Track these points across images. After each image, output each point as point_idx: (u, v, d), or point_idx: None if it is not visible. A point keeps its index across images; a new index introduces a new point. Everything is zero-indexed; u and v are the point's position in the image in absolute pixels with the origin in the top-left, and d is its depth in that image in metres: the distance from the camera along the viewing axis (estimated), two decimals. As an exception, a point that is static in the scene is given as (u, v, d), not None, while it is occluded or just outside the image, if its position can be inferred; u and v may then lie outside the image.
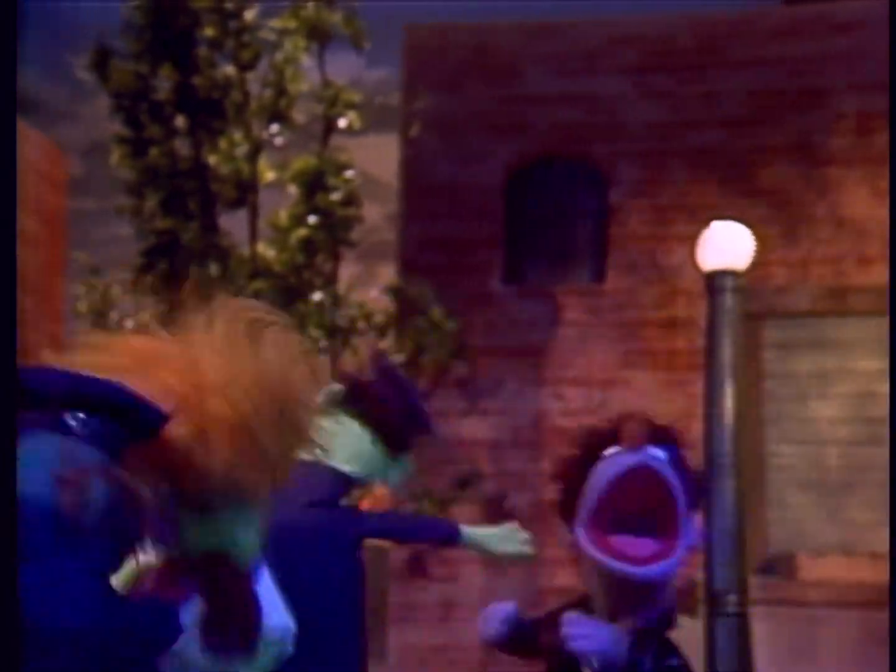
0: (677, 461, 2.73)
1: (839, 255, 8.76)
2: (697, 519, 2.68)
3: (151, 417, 1.86)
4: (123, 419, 1.83)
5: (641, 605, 2.58)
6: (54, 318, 9.26)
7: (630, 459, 2.65)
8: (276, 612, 2.14)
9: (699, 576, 6.97)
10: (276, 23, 8.08)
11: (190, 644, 1.98)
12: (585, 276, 9.32)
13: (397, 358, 8.04)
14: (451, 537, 3.28)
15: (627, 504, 2.59)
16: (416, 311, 8.21)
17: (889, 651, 2.94)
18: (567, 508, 2.72)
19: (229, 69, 8.03)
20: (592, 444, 2.76)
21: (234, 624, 2.01)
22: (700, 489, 2.78)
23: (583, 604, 2.65)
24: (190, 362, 2.05)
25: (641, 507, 2.58)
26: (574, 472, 2.75)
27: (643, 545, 2.55)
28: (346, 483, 3.12)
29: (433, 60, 9.41)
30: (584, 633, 2.45)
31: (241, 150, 8.00)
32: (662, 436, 2.83)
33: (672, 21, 9.27)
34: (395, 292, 8.46)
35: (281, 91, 8.03)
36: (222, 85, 7.93)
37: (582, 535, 2.59)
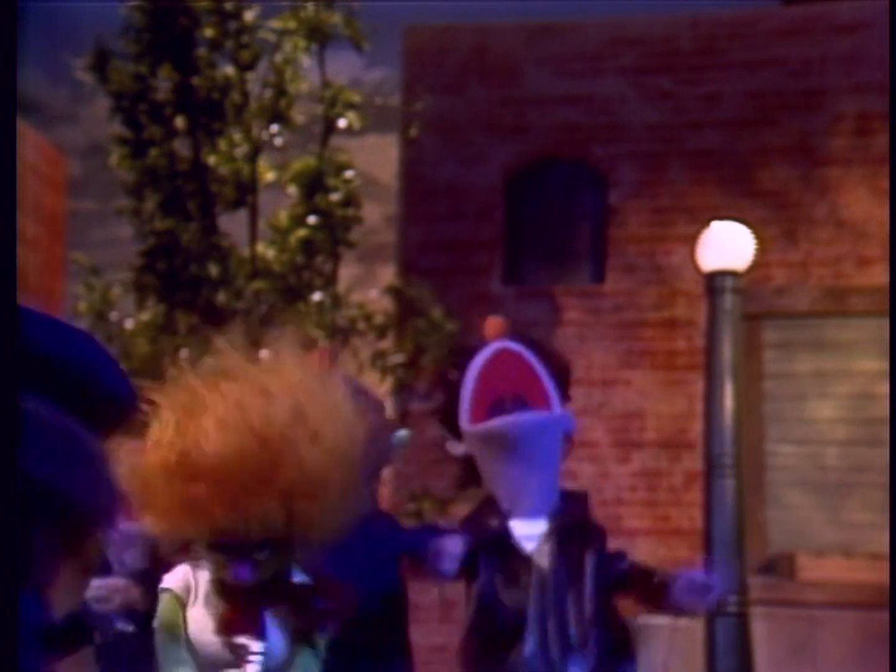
0: (539, 350, 2.93)
1: (839, 256, 8.75)
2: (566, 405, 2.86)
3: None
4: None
5: None
6: (54, 319, 9.24)
7: (492, 347, 2.91)
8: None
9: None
10: (275, 23, 8.06)
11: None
12: (585, 277, 9.31)
13: (397, 358, 8.04)
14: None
15: (497, 385, 2.83)
16: (415, 311, 8.20)
17: (889, 651, 2.94)
18: (449, 418, 2.96)
19: (229, 70, 8.02)
20: (465, 359, 2.96)
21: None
22: (566, 371, 2.96)
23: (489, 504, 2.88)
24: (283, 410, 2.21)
25: (511, 388, 2.84)
26: (452, 385, 2.94)
27: None
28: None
29: (433, 61, 9.40)
30: None
31: (241, 150, 7.99)
32: (523, 338, 3.05)
33: (672, 22, 9.26)
34: (395, 293, 8.45)
35: (280, 92, 8.02)
36: (222, 86, 7.92)
37: (468, 429, 2.84)
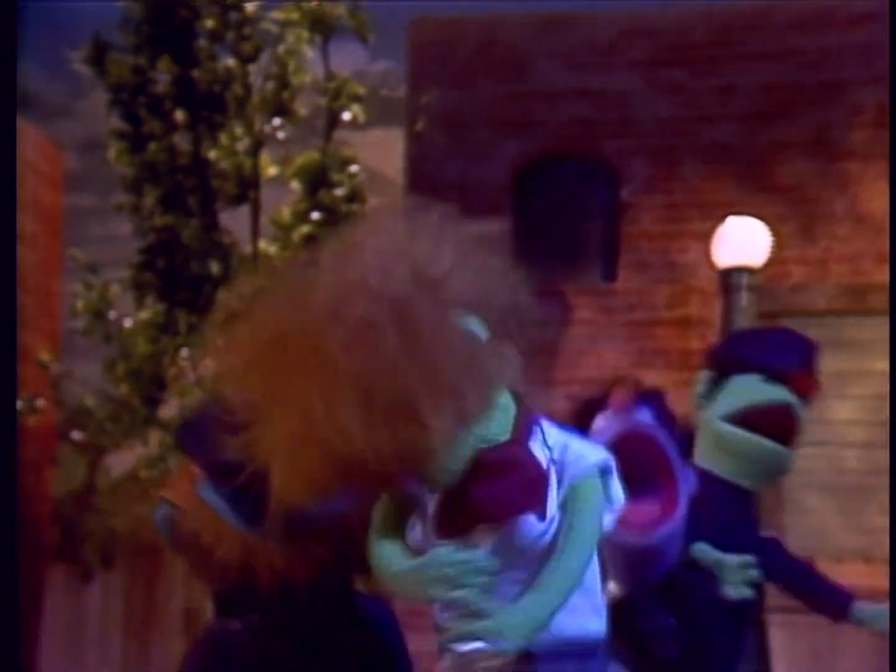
0: (663, 418, 2.76)
1: (858, 253, 8.60)
2: (687, 469, 2.75)
3: None
4: None
5: (644, 570, 2.72)
6: (51, 317, 9.11)
7: (620, 426, 2.75)
8: None
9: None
10: (277, 14, 7.93)
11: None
12: (597, 275, 9.18)
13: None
14: (842, 610, 3.16)
15: (623, 471, 2.60)
16: (422, 310, 8.03)
17: (889, 651, 2.86)
18: None
19: (230, 62, 7.88)
20: (582, 413, 2.80)
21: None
22: (688, 440, 2.85)
23: None
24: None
25: (637, 473, 2.60)
26: None
27: (642, 512, 2.60)
28: None
29: (439, 54, 9.26)
30: None
31: (243, 144, 7.85)
32: (647, 396, 2.87)
33: (686, 14, 9.11)
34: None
35: (283, 84, 7.88)
36: (223, 78, 7.78)
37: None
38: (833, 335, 8.64)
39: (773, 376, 2.97)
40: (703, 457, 3.03)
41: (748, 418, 2.95)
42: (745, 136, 8.83)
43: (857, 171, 8.66)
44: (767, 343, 3.08)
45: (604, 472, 2.22)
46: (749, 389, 2.97)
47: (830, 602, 3.18)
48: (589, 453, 2.23)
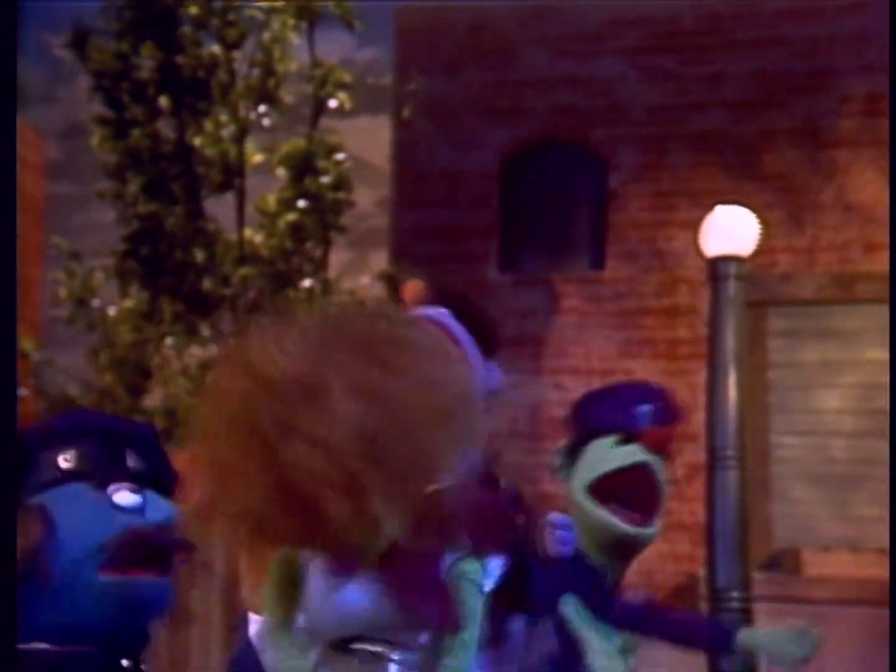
0: (461, 311, 2.66)
1: (846, 242, 8.58)
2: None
3: None
4: None
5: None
6: (33, 306, 9.04)
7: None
8: None
9: (701, 572, 6.75)
10: (263, 1, 7.85)
11: None
12: (584, 264, 9.14)
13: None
14: (723, 644, 3.09)
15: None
16: (408, 299, 7.98)
17: (889, 651, 2.80)
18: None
19: (215, 48, 7.81)
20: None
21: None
22: (488, 328, 2.70)
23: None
24: None
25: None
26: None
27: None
28: None
29: (426, 42, 9.19)
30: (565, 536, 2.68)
31: (228, 131, 7.79)
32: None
33: (674, 1, 9.05)
34: (388, 280, 8.24)
35: (269, 71, 7.82)
36: (207, 64, 7.71)
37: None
38: (821, 324, 8.62)
39: (626, 437, 2.85)
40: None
41: (601, 487, 2.82)
42: (734, 124, 8.79)
43: (845, 159, 8.62)
44: (616, 401, 2.95)
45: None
46: (600, 455, 2.85)
47: (714, 638, 3.16)
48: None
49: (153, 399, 7.68)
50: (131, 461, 1.97)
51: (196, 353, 7.81)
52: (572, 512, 2.85)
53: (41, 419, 2.50)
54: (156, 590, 1.86)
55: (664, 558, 8.39)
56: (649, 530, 2.85)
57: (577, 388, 8.69)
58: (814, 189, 8.65)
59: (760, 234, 7.20)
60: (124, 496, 1.90)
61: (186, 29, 7.71)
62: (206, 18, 7.74)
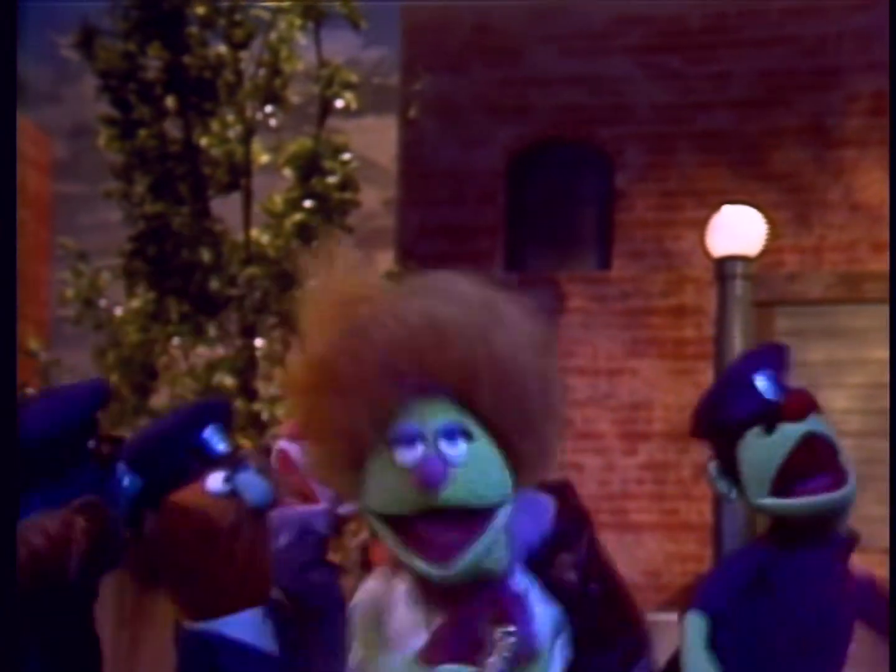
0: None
1: (853, 241, 8.56)
2: None
3: None
4: None
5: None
6: (40, 306, 9.06)
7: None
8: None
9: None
10: (269, 1, 7.85)
11: None
12: (590, 263, 9.14)
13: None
14: None
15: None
16: (415, 299, 7.98)
17: (889, 651, 2.79)
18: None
19: (221, 48, 7.81)
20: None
21: None
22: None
23: None
24: None
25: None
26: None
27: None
28: None
29: (433, 41, 9.19)
30: None
31: (234, 132, 7.79)
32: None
33: (681, 0, 9.04)
34: (394, 280, 8.22)
35: (275, 71, 7.82)
36: (214, 64, 7.71)
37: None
38: (828, 324, 8.61)
39: (766, 422, 2.62)
40: None
41: (780, 482, 2.61)
42: (740, 123, 8.77)
43: (852, 158, 8.61)
44: (733, 389, 2.69)
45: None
46: (758, 453, 2.63)
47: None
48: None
49: (160, 399, 7.69)
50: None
51: (202, 352, 7.81)
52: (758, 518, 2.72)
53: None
54: None
55: (671, 559, 8.39)
56: (846, 489, 2.62)
57: (583, 388, 8.71)
58: (821, 188, 8.63)
59: (767, 234, 7.20)
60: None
61: (193, 29, 7.71)
62: (212, 18, 7.74)
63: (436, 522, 1.79)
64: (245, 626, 2.37)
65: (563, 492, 2.27)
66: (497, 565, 1.87)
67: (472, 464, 1.81)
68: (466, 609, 1.86)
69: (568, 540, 2.33)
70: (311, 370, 1.90)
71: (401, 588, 1.93)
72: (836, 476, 2.61)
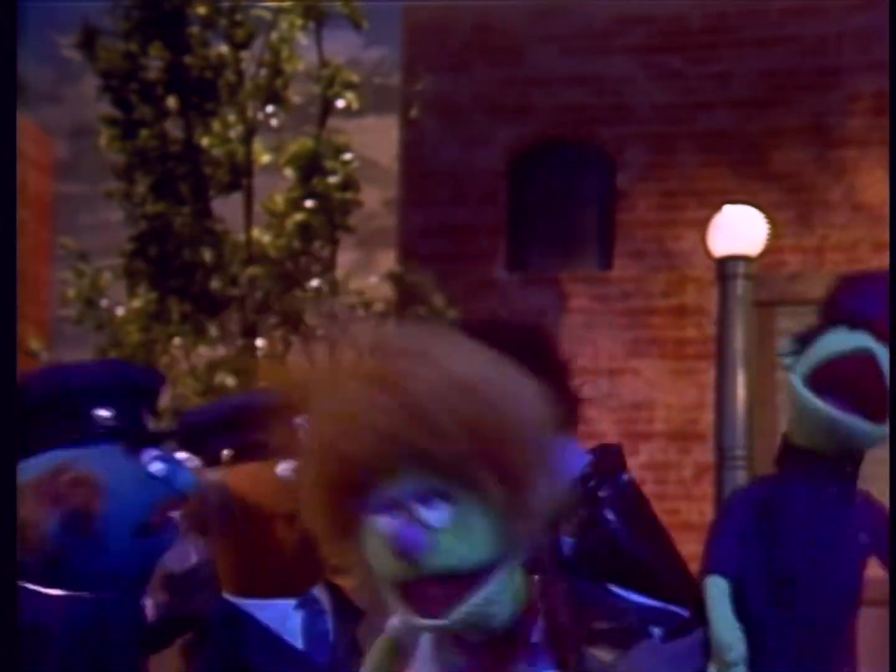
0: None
1: (854, 241, 8.56)
2: None
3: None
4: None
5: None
6: (41, 306, 9.06)
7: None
8: None
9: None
10: (270, 1, 7.85)
11: None
12: (592, 263, 9.14)
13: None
14: None
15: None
16: (416, 299, 8.01)
17: (889, 651, 2.79)
18: None
19: (222, 48, 7.80)
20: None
21: None
22: None
23: None
24: None
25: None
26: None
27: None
28: None
29: (434, 41, 9.19)
30: None
31: (235, 132, 7.78)
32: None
33: (682, 0, 9.05)
34: (395, 279, 8.24)
35: (276, 71, 7.81)
36: (215, 64, 7.70)
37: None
38: (829, 324, 8.60)
39: (853, 324, 2.57)
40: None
41: (821, 376, 2.55)
42: (742, 123, 8.78)
43: (853, 158, 8.61)
44: (858, 289, 2.67)
45: None
46: (825, 343, 2.58)
47: None
48: None
49: (161, 399, 7.67)
50: (148, 420, 2.19)
51: (204, 353, 7.81)
52: (792, 409, 2.64)
53: (72, 365, 2.56)
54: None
55: (672, 558, 8.39)
56: (868, 425, 2.54)
57: (583, 389, 8.71)
58: (822, 188, 8.63)
59: (768, 234, 7.20)
60: (158, 467, 2.11)
61: (194, 29, 7.71)
62: (213, 18, 7.74)
63: (425, 585, 1.77)
64: (276, 614, 2.36)
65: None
66: (500, 621, 1.82)
67: (454, 527, 1.71)
68: (482, 659, 1.82)
69: (603, 477, 2.38)
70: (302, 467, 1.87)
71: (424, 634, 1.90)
72: (871, 408, 2.53)
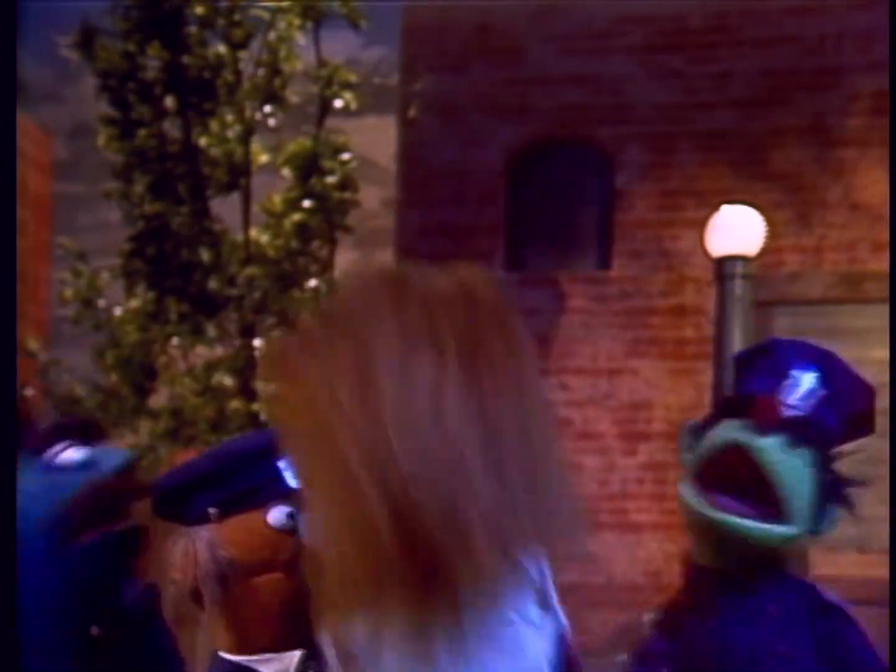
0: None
1: (854, 241, 8.53)
2: None
3: None
4: None
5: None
6: (39, 305, 9.05)
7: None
8: None
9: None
10: (269, 1, 7.85)
11: None
12: (590, 263, 9.11)
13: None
14: None
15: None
16: (415, 298, 7.98)
17: (889, 651, 2.74)
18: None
19: (221, 48, 7.81)
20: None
21: None
22: None
23: None
24: None
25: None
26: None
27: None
28: None
29: (433, 40, 9.17)
30: None
31: (234, 131, 7.80)
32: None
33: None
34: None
35: (274, 71, 7.83)
36: (213, 64, 7.72)
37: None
38: (829, 324, 8.58)
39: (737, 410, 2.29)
40: None
41: (703, 475, 2.28)
42: (742, 122, 8.75)
43: (853, 158, 8.58)
44: (739, 369, 2.39)
45: None
46: (710, 435, 2.32)
47: None
48: None
49: (159, 399, 7.68)
50: (55, 421, 1.83)
51: (202, 352, 7.82)
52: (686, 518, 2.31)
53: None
54: (126, 538, 1.75)
55: (671, 559, 8.37)
56: (751, 523, 2.20)
57: (582, 388, 8.70)
58: (821, 188, 8.61)
59: (767, 233, 7.19)
60: (69, 454, 1.75)
61: (193, 29, 7.72)
62: (212, 18, 7.75)
63: None
64: (283, 668, 2.24)
65: None
66: None
67: None
68: None
69: None
70: None
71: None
72: (755, 505, 2.21)
